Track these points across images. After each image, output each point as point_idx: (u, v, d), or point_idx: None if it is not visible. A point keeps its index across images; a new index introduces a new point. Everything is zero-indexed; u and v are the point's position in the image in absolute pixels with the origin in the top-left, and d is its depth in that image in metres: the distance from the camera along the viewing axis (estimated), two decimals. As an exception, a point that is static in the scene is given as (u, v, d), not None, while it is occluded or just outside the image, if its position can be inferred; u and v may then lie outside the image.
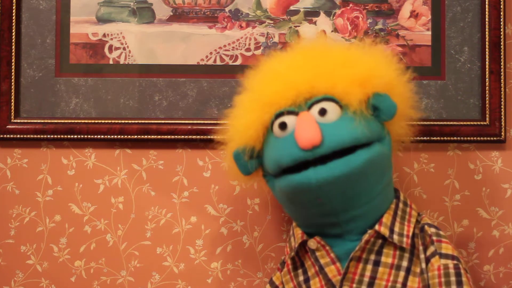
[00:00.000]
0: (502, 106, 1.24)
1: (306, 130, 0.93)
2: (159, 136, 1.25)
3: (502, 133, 1.24)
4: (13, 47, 1.25)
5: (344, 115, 0.97)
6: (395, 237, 1.00)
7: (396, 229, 1.01)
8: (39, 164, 1.28)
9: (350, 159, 0.94)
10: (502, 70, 1.24)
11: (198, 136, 1.24)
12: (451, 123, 1.25)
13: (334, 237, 1.02)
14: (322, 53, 1.03)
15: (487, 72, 1.24)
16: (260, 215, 1.28)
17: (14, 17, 1.25)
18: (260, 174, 1.07)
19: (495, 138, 1.24)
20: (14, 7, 1.25)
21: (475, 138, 1.24)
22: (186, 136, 1.25)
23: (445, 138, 1.24)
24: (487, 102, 1.24)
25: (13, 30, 1.25)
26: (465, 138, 1.24)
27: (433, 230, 1.02)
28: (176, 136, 1.25)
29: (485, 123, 1.24)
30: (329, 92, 0.97)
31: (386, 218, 1.01)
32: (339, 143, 0.93)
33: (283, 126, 0.98)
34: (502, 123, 1.24)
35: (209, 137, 1.24)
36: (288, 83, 0.99)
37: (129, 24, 1.27)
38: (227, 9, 1.27)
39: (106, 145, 1.27)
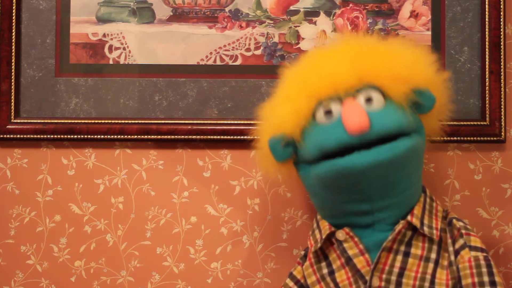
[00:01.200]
0: (502, 106, 1.24)
1: (354, 115, 0.94)
2: (159, 136, 1.25)
3: (502, 133, 1.24)
4: (13, 47, 1.25)
5: (388, 105, 0.98)
6: (426, 229, 1.01)
7: (426, 221, 1.02)
8: (39, 164, 1.28)
9: (394, 145, 0.95)
10: (502, 70, 1.24)
11: (198, 136, 1.25)
12: (451, 123, 1.24)
13: (363, 227, 1.03)
14: (366, 46, 1.04)
15: (487, 72, 1.24)
16: (260, 215, 1.28)
17: (14, 17, 1.25)
18: (290, 164, 1.06)
19: (495, 138, 1.24)
20: (14, 7, 1.25)
21: (475, 138, 1.24)
22: (186, 136, 1.25)
23: (445, 138, 1.24)
24: (487, 102, 1.24)
25: (13, 30, 1.25)
26: (465, 138, 1.24)
27: (461, 223, 1.04)
28: (176, 136, 1.25)
29: (485, 123, 1.24)
30: (374, 83, 0.99)
31: (417, 210, 1.02)
32: (385, 130, 0.95)
33: (328, 113, 0.99)
34: (502, 123, 1.24)
35: (209, 137, 1.25)
36: (333, 74, 1.00)
37: (129, 24, 1.27)
38: (227, 9, 1.27)
39: (106, 145, 1.27)
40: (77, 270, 1.28)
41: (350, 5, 1.27)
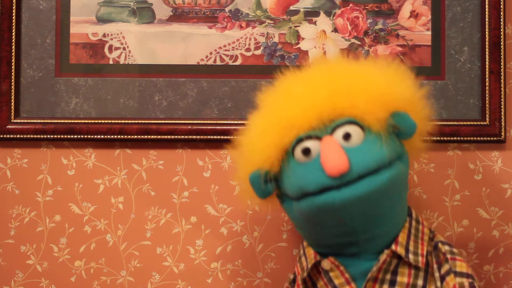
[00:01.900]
0: (502, 106, 1.24)
1: (333, 157, 0.91)
2: (159, 136, 1.25)
3: (502, 133, 1.24)
4: (13, 47, 1.25)
5: (367, 138, 0.95)
6: (411, 256, 0.99)
7: (411, 248, 1.00)
8: (39, 164, 1.28)
9: (373, 179, 0.92)
10: (502, 70, 1.24)
11: (198, 136, 1.25)
12: (451, 123, 1.25)
13: (349, 256, 1.01)
14: (339, 72, 1.01)
15: (487, 72, 1.24)
16: (260, 215, 1.28)
17: (14, 17, 1.25)
18: (273, 195, 1.04)
19: (495, 138, 1.24)
20: (14, 7, 1.25)
21: (475, 138, 1.24)
22: (186, 136, 1.25)
23: (445, 138, 1.24)
24: (487, 102, 1.24)
25: (13, 30, 1.25)
26: (465, 138, 1.24)
27: (446, 248, 1.02)
28: (176, 136, 1.25)
29: (485, 123, 1.24)
30: (350, 112, 0.96)
31: (402, 237, 1.00)
32: (365, 168, 0.92)
33: (306, 151, 0.95)
34: (502, 123, 1.24)
35: (209, 137, 1.25)
36: (309, 105, 0.97)
37: (129, 24, 1.27)
38: (227, 9, 1.27)
39: (106, 145, 1.27)
40: (77, 270, 1.28)
41: (350, 5, 1.27)
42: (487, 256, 1.27)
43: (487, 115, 1.24)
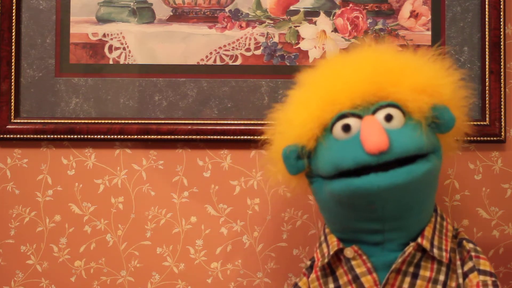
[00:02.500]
0: (502, 106, 1.24)
1: (374, 134, 0.91)
2: (159, 136, 1.25)
3: (502, 133, 1.24)
4: (13, 47, 1.25)
5: (408, 123, 0.95)
6: (435, 251, 0.99)
7: (436, 243, 1.00)
8: (39, 164, 1.28)
9: (412, 169, 0.92)
10: (502, 70, 1.24)
11: (198, 136, 1.25)
12: (451, 123, 1.25)
13: (372, 245, 1.00)
14: (388, 57, 1.01)
15: (487, 72, 1.24)
16: (260, 215, 1.28)
17: (14, 17, 1.25)
18: (301, 175, 1.03)
19: (495, 138, 1.24)
20: (14, 7, 1.25)
21: (475, 138, 1.24)
22: (186, 136, 1.25)
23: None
24: (487, 102, 1.24)
25: (13, 30, 1.25)
26: (465, 138, 1.24)
27: (471, 245, 1.02)
28: (176, 136, 1.25)
29: (485, 123, 1.24)
30: (394, 97, 0.96)
31: (428, 232, 1.00)
32: (404, 150, 0.92)
33: (346, 128, 0.95)
34: (502, 123, 1.24)
35: (209, 137, 1.25)
36: (353, 83, 0.96)
37: (129, 24, 1.27)
38: (227, 9, 1.27)
39: (106, 145, 1.27)
40: (77, 270, 1.28)
41: (350, 5, 1.27)
42: (487, 256, 1.26)
43: (487, 115, 1.24)
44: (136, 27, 1.27)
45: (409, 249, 0.98)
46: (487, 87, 1.24)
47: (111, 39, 1.27)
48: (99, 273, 1.27)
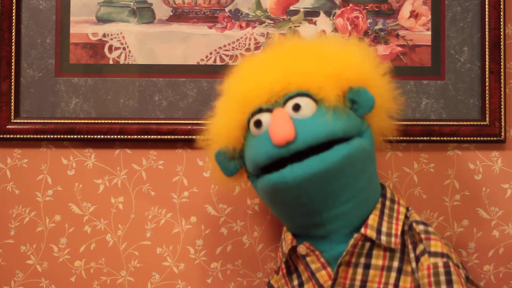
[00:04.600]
0: (502, 106, 1.24)
1: (279, 126, 0.92)
2: (159, 136, 1.25)
3: (502, 133, 1.24)
4: (13, 47, 1.25)
5: (320, 110, 0.95)
6: (383, 238, 0.98)
7: (384, 229, 0.99)
8: (39, 164, 1.28)
9: (326, 155, 0.92)
10: (502, 70, 1.24)
11: (198, 136, 1.24)
12: (451, 123, 1.25)
13: (320, 238, 1.00)
14: (296, 50, 1.02)
15: (487, 72, 1.24)
16: (260, 215, 1.28)
17: (14, 17, 1.25)
18: (245, 176, 1.06)
19: (495, 138, 1.24)
20: (14, 7, 1.25)
21: (475, 138, 1.24)
22: (186, 136, 1.25)
23: (445, 138, 1.24)
24: (487, 102, 1.24)
25: (13, 30, 1.25)
26: (465, 138, 1.24)
27: (421, 227, 1.00)
28: (176, 136, 1.25)
29: (485, 123, 1.24)
30: (304, 88, 0.96)
31: (372, 220, 0.99)
32: (313, 138, 0.92)
33: (258, 123, 0.97)
34: (502, 123, 1.24)
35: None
36: (262, 81, 0.98)
37: (129, 24, 1.27)
38: (227, 9, 1.27)
39: (106, 145, 1.27)
40: (77, 270, 1.28)
41: (350, 5, 1.27)
42: (487, 256, 1.27)
43: (487, 115, 1.24)
44: (136, 27, 1.27)
45: (351, 241, 0.97)
46: (487, 87, 1.24)
47: (111, 39, 1.27)
48: (99, 273, 1.28)
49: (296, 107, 0.95)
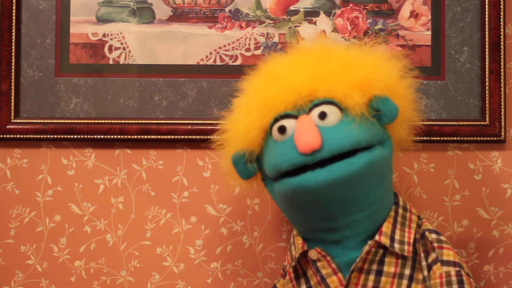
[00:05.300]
0: (502, 106, 1.24)
1: (305, 134, 0.92)
2: (159, 136, 1.25)
3: (502, 133, 1.24)
4: (13, 47, 1.25)
5: (345, 118, 0.95)
6: (396, 245, 0.99)
7: (397, 237, 1.00)
8: (39, 164, 1.28)
9: (349, 162, 0.92)
10: (502, 70, 1.24)
11: (198, 136, 1.25)
12: (451, 123, 1.25)
13: (333, 244, 1.00)
14: (322, 55, 1.01)
15: (487, 72, 1.24)
16: (260, 215, 1.28)
17: (14, 17, 1.25)
18: (259, 177, 1.05)
19: (495, 138, 1.24)
20: (14, 7, 1.25)
21: (475, 138, 1.24)
22: (186, 136, 1.25)
23: (445, 138, 1.24)
24: (487, 102, 1.24)
25: (13, 30, 1.25)
26: (465, 138, 1.24)
27: (434, 236, 1.01)
28: (176, 136, 1.25)
29: (485, 123, 1.24)
30: (329, 95, 0.96)
31: (386, 227, 1.00)
32: (338, 146, 0.92)
33: (282, 129, 0.96)
34: (502, 123, 1.24)
35: (209, 137, 1.24)
36: (288, 86, 0.97)
37: (129, 24, 1.27)
38: (227, 9, 1.27)
39: (106, 145, 1.27)
40: (77, 270, 1.28)
41: (350, 5, 1.27)
42: (487, 256, 1.27)
43: (487, 115, 1.24)
44: (136, 27, 1.27)
45: (366, 248, 0.98)
46: (487, 87, 1.24)
47: (111, 39, 1.27)
48: (99, 273, 1.28)
49: (322, 115, 0.95)
